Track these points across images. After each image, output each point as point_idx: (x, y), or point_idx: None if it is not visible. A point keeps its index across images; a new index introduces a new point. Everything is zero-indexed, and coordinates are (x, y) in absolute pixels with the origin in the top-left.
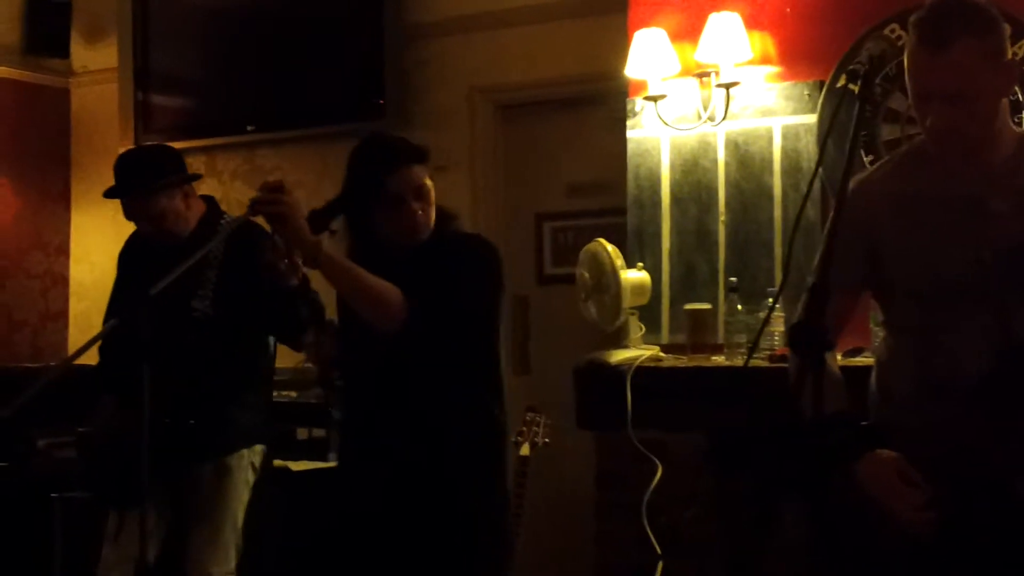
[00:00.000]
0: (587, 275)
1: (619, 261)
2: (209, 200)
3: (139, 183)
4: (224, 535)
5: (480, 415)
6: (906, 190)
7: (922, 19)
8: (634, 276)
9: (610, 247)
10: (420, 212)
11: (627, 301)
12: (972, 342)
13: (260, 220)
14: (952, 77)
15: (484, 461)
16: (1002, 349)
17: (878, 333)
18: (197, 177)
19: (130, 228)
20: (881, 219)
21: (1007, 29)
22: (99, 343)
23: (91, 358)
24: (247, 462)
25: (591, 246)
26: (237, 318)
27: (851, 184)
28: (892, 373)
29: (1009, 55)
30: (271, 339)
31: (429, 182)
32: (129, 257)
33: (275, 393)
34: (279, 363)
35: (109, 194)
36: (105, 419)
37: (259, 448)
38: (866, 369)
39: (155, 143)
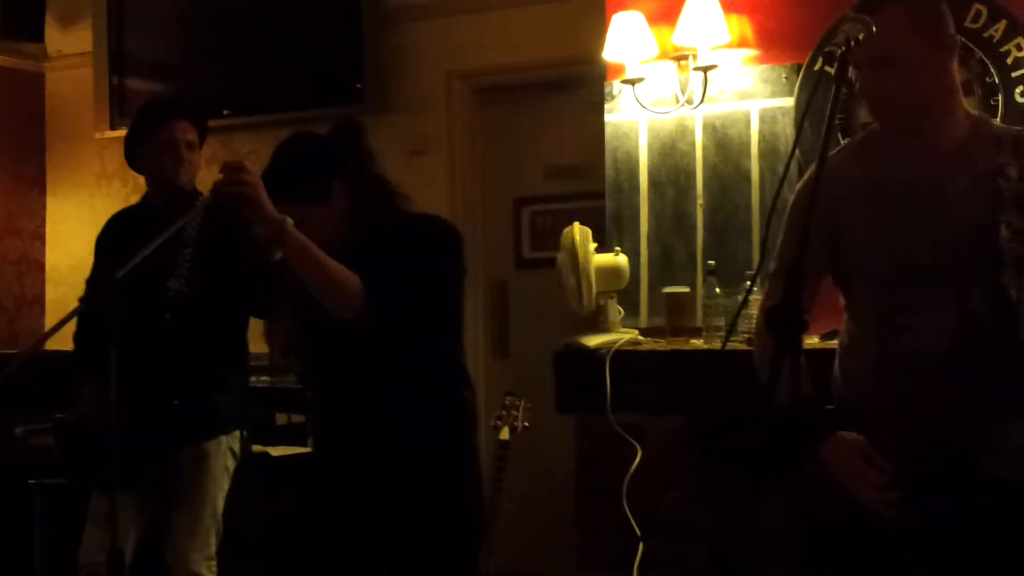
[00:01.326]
0: (562, 258)
1: (590, 245)
2: None
3: (190, 109)
4: (204, 521)
5: (448, 399)
6: (864, 174)
7: None
8: (607, 259)
9: (580, 230)
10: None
11: (599, 285)
12: (931, 322)
13: None
14: (877, 41)
15: (454, 444)
16: (960, 328)
17: None
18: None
19: (105, 214)
20: (842, 202)
21: (941, 4)
22: (75, 333)
23: (66, 344)
24: (226, 448)
25: (566, 230)
26: (215, 296)
27: (809, 170)
28: (854, 356)
29: (948, 29)
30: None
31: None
32: (107, 241)
33: (252, 379)
34: (256, 348)
35: (141, 126)
36: (87, 403)
37: (237, 434)
38: None
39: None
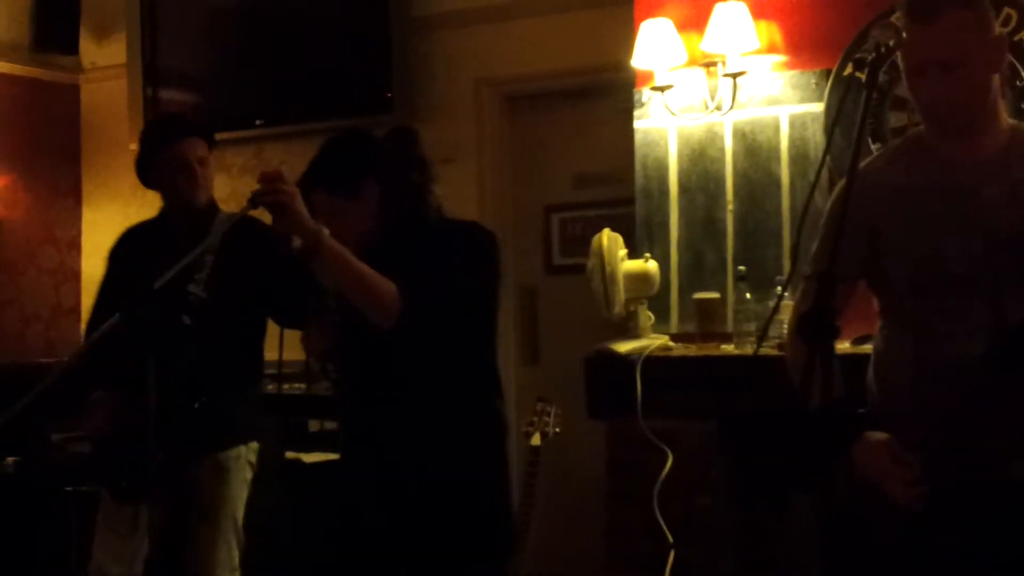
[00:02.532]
0: (592, 265)
1: (619, 251)
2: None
3: (188, 127)
4: (226, 533)
5: (480, 408)
6: (901, 180)
7: (910, 1)
8: (637, 266)
9: (609, 236)
10: None
11: (629, 291)
12: (966, 327)
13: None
14: (944, 46)
15: (485, 453)
16: (995, 334)
17: None
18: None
19: (139, 221)
20: (877, 209)
21: (990, 6)
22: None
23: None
24: (244, 461)
25: (596, 236)
26: (234, 303)
27: (847, 176)
28: (888, 362)
29: (997, 30)
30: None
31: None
32: (123, 254)
33: (286, 385)
34: (290, 355)
35: (151, 148)
36: (98, 411)
37: (254, 445)
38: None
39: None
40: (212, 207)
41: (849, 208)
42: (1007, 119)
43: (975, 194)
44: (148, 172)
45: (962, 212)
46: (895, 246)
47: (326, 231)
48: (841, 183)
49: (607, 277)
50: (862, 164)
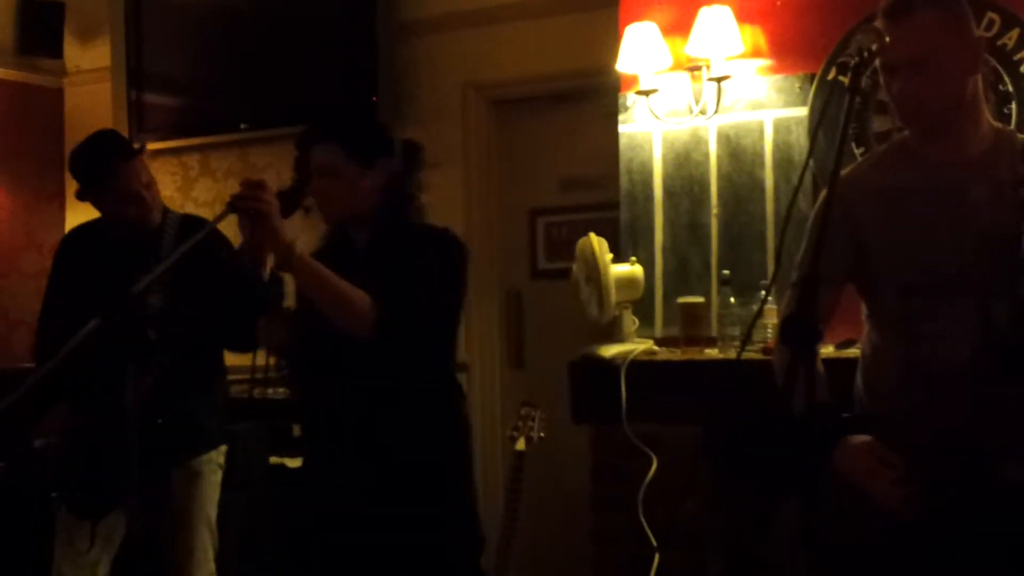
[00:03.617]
0: (578, 269)
1: (607, 255)
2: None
3: (124, 152)
4: (202, 538)
5: (446, 411)
6: (889, 183)
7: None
8: (623, 270)
9: (597, 241)
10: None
11: (616, 294)
12: (954, 330)
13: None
14: (916, 42)
15: (455, 456)
16: (982, 336)
17: None
18: (143, 150)
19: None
20: (866, 212)
21: (967, 8)
22: (36, 348)
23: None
24: (215, 464)
25: (582, 240)
26: (192, 311)
27: (832, 180)
28: (876, 365)
29: (974, 33)
30: None
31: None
32: (69, 258)
33: (270, 390)
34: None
35: (97, 174)
36: (58, 423)
37: (223, 449)
38: (856, 362)
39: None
40: (166, 208)
41: (834, 212)
42: (991, 122)
43: (962, 195)
44: (91, 196)
45: (949, 213)
46: (883, 249)
47: (299, 245)
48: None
49: (601, 281)
50: (848, 169)
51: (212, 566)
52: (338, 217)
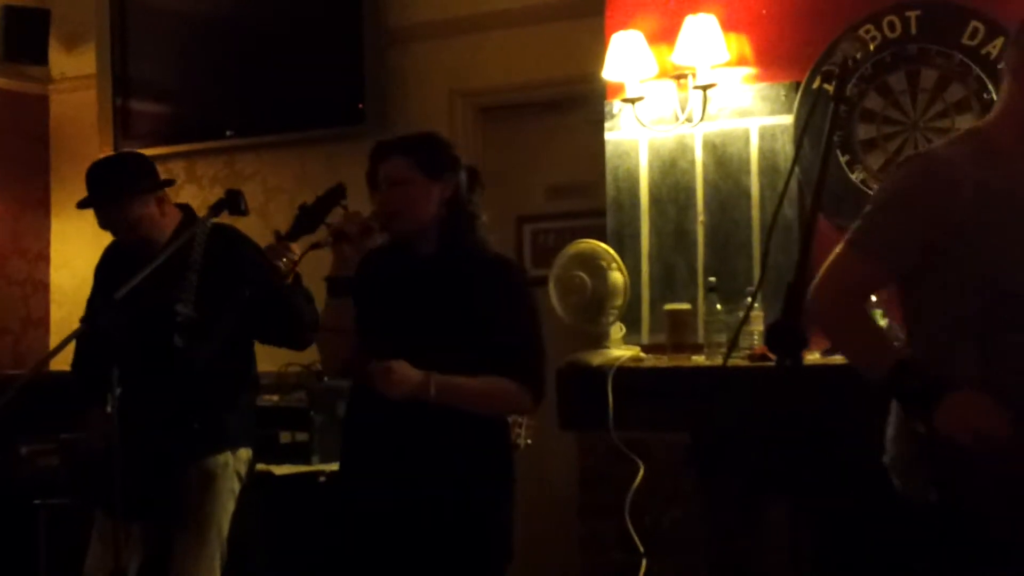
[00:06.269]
0: (577, 274)
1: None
2: (185, 208)
3: (111, 192)
4: (210, 544)
5: (498, 429)
6: (992, 180)
7: None
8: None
9: (604, 246)
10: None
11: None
12: None
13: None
14: None
15: (503, 473)
16: None
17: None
18: (170, 183)
19: (110, 236)
20: (962, 204)
21: None
22: (74, 357)
23: (70, 365)
24: (232, 470)
25: (577, 245)
26: (224, 322)
27: (919, 161)
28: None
29: None
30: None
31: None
32: (106, 267)
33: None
34: (262, 367)
35: (83, 204)
36: (94, 429)
37: (244, 456)
38: (844, 368)
39: (126, 151)
40: (191, 218)
41: (912, 195)
42: None
43: None
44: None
45: None
46: (992, 249)
47: (434, 385)
48: (922, 167)
49: (610, 284)
50: (939, 151)
51: (218, 574)
52: (404, 226)
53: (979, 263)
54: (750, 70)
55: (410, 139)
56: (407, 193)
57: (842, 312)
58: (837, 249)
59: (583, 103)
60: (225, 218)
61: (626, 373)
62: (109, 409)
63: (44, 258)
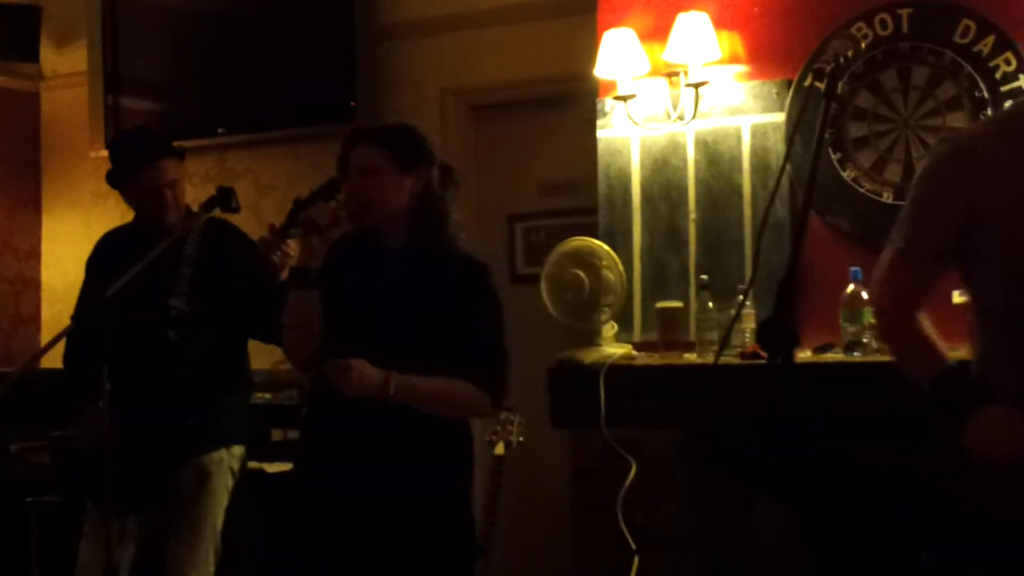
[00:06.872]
0: (573, 272)
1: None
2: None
3: (168, 146)
4: (204, 540)
5: (460, 426)
6: (1018, 157)
7: None
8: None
9: (599, 243)
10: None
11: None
12: None
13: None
14: None
15: (463, 464)
16: None
17: None
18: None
19: (100, 232)
20: (988, 185)
21: None
22: (65, 352)
23: (61, 362)
24: (226, 466)
25: (571, 242)
26: (218, 315)
27: (947, 145)
28: (993, 368)
29: None
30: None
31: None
32: (99, 260)
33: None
34: (254, 364)
35: (138, 160)
36: (87, 426)
37: (238, 452)
38: (836, 366)
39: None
40: (186, 217)
41: (940, 180)
42: None
43: None
44: (118, 185)
45: None
46: (1006, 230)
47: (392, 385)
48: (946, 152)
49: (604, 282)
50: (966, 133)
51: (212, 569)
52: (373, 217)
53: (1007, 244)
54: (742, 68)
55: (385, 129)
56: (378, 183)
57: (893, 320)
58: (885, 256)
59: (575, 101)
60: (217, 215)
61: (618, 371)
62: (101, 405)
63: (35, 256)
